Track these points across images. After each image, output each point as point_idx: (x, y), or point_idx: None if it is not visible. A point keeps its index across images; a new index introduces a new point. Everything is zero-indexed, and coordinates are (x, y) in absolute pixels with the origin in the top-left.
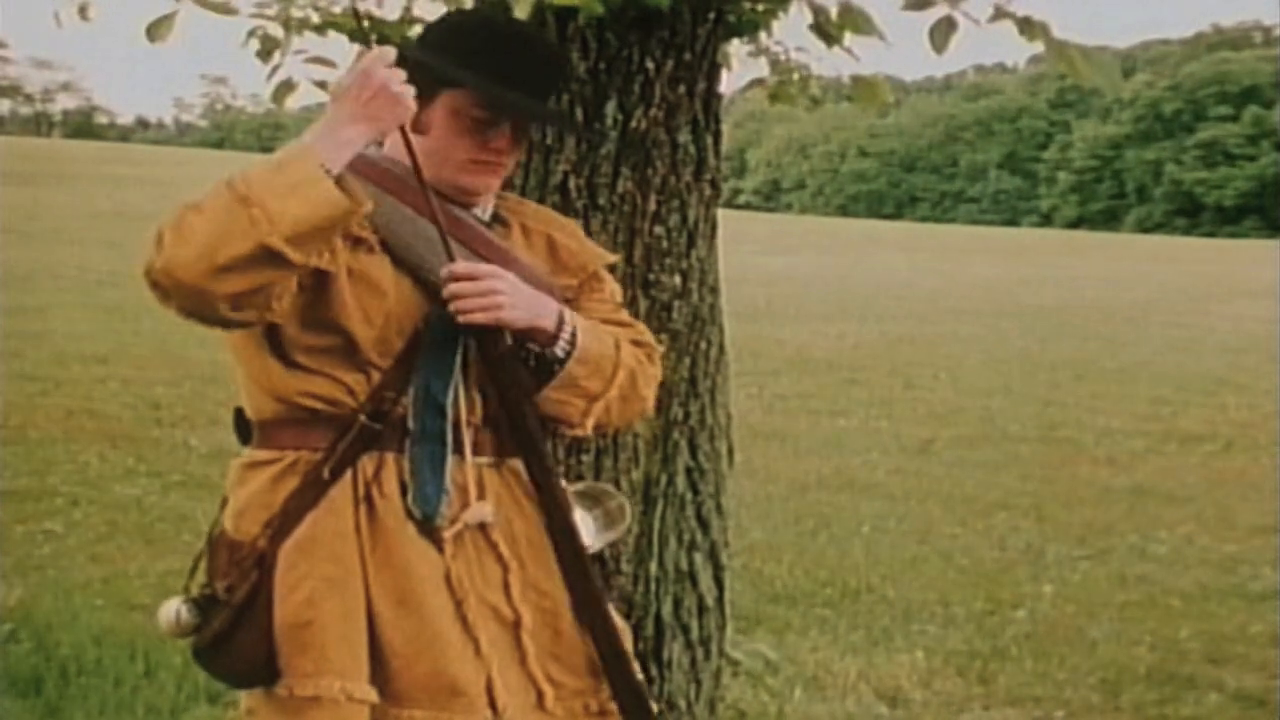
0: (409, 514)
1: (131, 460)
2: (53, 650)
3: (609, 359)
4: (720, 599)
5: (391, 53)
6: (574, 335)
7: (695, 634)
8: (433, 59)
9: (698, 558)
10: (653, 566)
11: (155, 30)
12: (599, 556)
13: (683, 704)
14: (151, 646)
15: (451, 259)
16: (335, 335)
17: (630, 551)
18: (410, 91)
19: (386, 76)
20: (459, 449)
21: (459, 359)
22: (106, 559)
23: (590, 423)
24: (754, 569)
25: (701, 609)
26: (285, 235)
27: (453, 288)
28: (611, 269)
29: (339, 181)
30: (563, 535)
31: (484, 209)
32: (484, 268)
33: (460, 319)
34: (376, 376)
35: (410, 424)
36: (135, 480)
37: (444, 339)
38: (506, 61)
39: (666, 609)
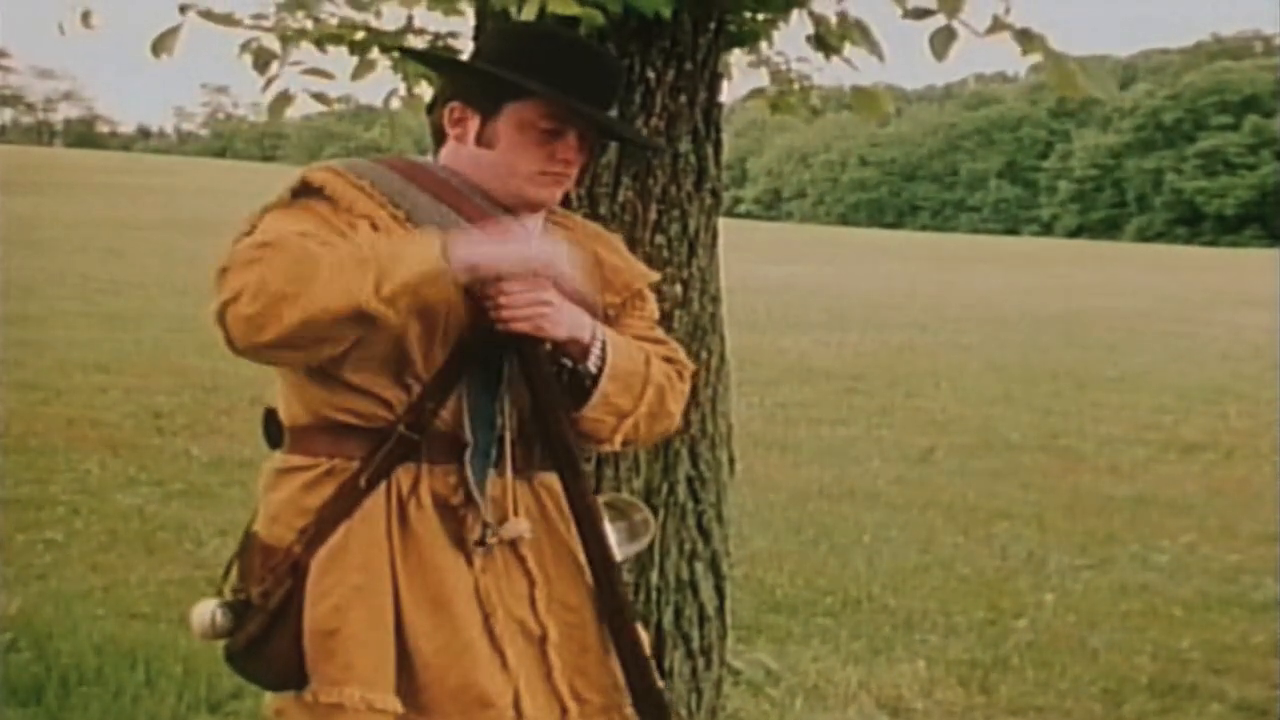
0: (443, 526)
1: (132, 469)
2: (53, 659)
3: (639, 375)
4: (721, 608)
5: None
6: (604, 351)
7: (696, 643)
8: (496, 71)
9: (699, 567)
10: (654, 576)
11: (160, 45)
12: None
13: (684, 713)
14: (152, 656)
15: None
16: (386, 347)
17: (631, 560)
18: (543, 312)
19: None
20: (499, 462)
21: (505, 373)
22: (107, 568)
23: (619, 439)
24: (755, 578)
25: (702, 618)
26: (385, 296)
27: (501, 297)
28: (653, 287)
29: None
30: (595, 547)
31: (536, 222)
32: (533, 278)
33: (501, 326)
34: (417, 389)
35: (466, 437)
36: (136, 489)
37: (491, 352)
38: (571, 72)
39: (667, 618)
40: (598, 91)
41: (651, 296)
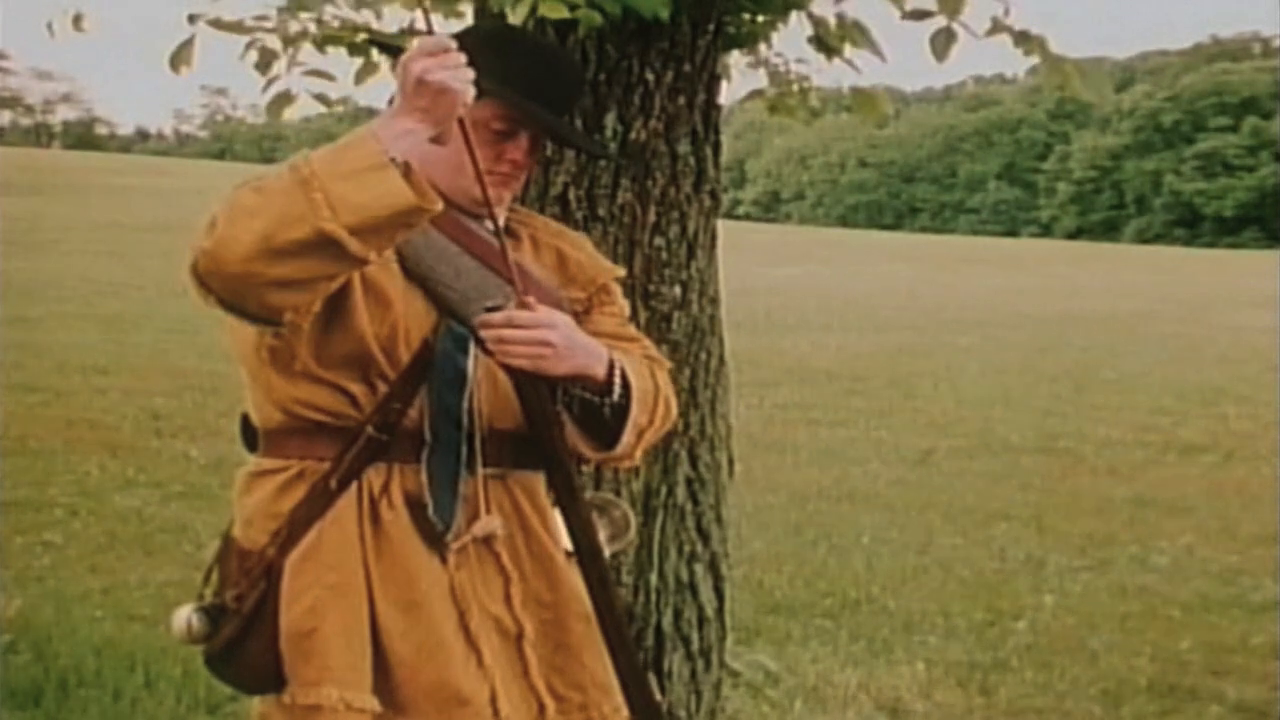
0: (416, 525)
1: (131, 471)
2: (52, 661)
3: (651, 393)
4: (720, 610)
5: (436, 40)
6: (625, 379)
7: (695, 645)
8: None
9: (698, 569)
10: (653, 577)
11: (178, 58)
12: None
13: (683, 715)
14: (151, 658)
15: (516, 287)
16: (349, 345)
17: (630, 563)
18: (461, 77)
19: (423, 68)
20: (469, 461)
21: (471, 371)
22: (106, 570)
23: (639, 453)
24: (754, 580)
25: (702, 620)
26: (347, 224)
27: (502, 333)
28: (620, 282)
29: (407, 174)
30: (588, 553)
31: (497, 220)
32: (538, 316)
33: (500, 358)
34: (383, 388)
35: (426, 435)
36: (135, 491)
37: (457, 351)
38: (529, 75)
39: (667, 620)
40: (554, 96)
41: (618, 291)
